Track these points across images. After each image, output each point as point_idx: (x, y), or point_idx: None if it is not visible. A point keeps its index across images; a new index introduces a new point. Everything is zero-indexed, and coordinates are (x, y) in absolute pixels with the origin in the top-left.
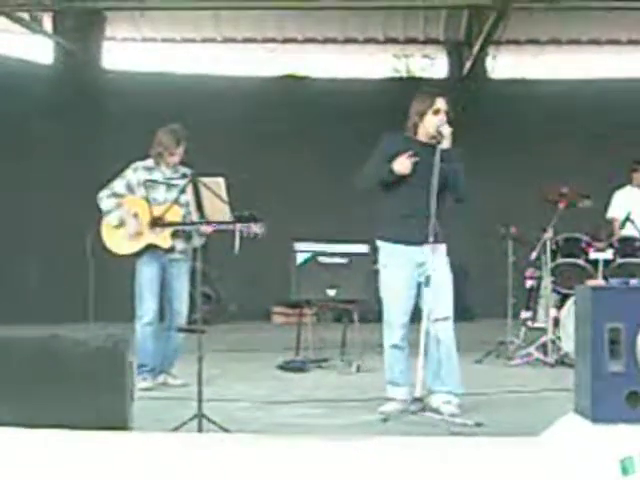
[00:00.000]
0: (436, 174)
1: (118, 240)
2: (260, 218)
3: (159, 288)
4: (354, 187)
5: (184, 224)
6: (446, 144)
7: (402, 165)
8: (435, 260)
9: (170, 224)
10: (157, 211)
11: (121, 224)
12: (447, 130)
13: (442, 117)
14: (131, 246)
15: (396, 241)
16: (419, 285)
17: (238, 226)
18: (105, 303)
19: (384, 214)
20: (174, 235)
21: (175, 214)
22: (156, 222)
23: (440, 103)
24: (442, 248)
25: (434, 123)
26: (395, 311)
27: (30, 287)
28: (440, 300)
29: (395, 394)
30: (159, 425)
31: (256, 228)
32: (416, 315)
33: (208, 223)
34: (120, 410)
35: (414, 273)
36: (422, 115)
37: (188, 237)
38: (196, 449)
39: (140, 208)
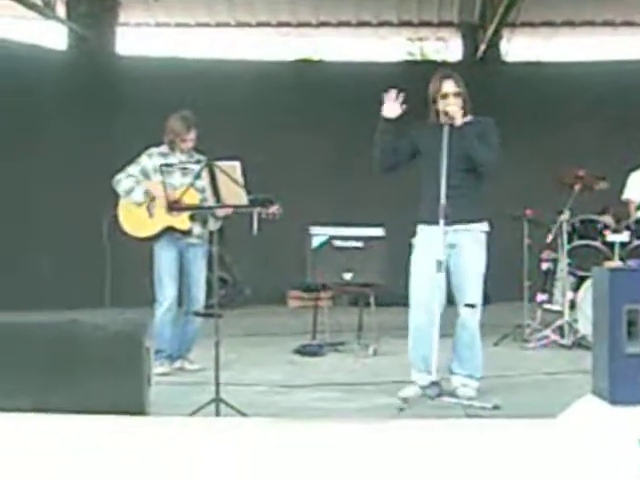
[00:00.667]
0: (444, 152)
1: (136, 223)
2: (275, 201)
3: (178, 273)
4: (373, 169)
5: (201, 207)
6: (456, 122)
7: (388, 108)
8: (463, 242)
9: (187, 207)
10: (173, 195)
11: (146, 200)
12: (453, 109)
13: (449, 101)
14: (150, 229)
15: (423, 222)
16: (448, 268)
17: (256, 208)
18: (122, 288)
19: (420, 196)
20: (191, 218)
21: (192, 197)
22: (173, 205)
23: (446, 86)
24: (474, 229)
25: (442, 107)
26: (415, 292)
27: (46, 273)
28: (465, 286)
29: (417, 379)
30: (176, 410)
31: (274, 209)
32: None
33: (225, 207)
34: (137, 395)
35: (441, 254)
36: (434, 101)
37: (204, 222)
38: (214, 433)
39: (157, 192)
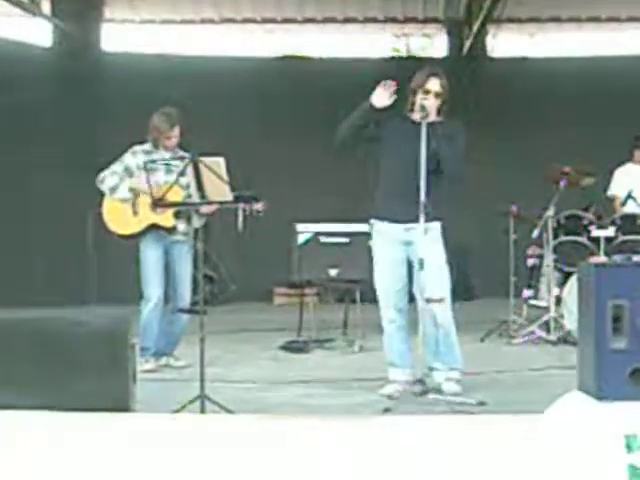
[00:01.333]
0: (423, 150)
1: (121, 221)
2: (260, 198)
3: (164, 270)
4: (334, 142)
5: (185, 204)
6: (429, 118)
7: (379, 97)
8: (419, 239)
9: (172, 204)
10: (158, 193)
11: (131, 197)
12: (429, 102)
13: (429, 98)
14: (134, 226)
15: (382, 218)
16: (410, 264)
17: (241, 205)
18: (108, 285)
19: (377, 192)
20: (176, 216)
21: (176, 194)
22: (157, 202)
23: (431, 84)
24: (433, 227)
25: (419, 100)
26: (382, 289)
27: (33, 271)
28: (433, 281)
29: (395, 375)
30: (162, 407)
31: (258, 206)
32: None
33: (210, 203)
34: (123, 392)
35: (401, 251)
36: (414, 93)
37: (189, 219)
38: (199, 430)
39: (141, 189)
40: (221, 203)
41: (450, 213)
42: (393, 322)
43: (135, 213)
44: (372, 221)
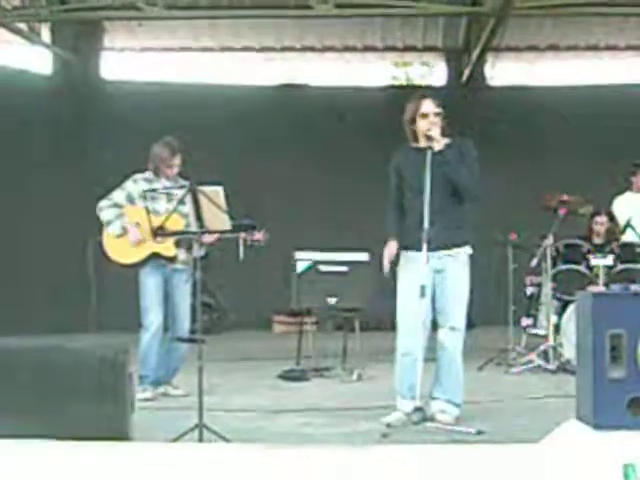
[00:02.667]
0: (428, 178)
1: (121, 250)
2: (258, 226)
3: (163, 299)
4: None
5: (186, 233)
6: (437, 146)
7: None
8: (449, 267)
9: (172, 233)
10: (158, 222)
11: (123, 233)
12: (435, 132)
13: (429, 120)
14: (135, 255)
15: (406, 248)
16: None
17: (242, 234)
18: (108, 313)
19: (404, 223)
20: (176, 244)
21: (176, 223)
22: (158, 231)
23: (426, 106)
24: (459, 254)
25: (422, 127)
26: (403, 319)
27: (33, 296)
28: (449, 309)
29: (402, 406)
30: (160, 435)
31: (259, 235)
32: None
33: (210, 232)
34: (120, 420)
35: (426, 280)
36: (413, 121)
37: (189, 247)
38: (197, 459)
39: (141, 218)
40: (221, 232)
41: (470, 237)
42: (408, 355)
43: (140, 243)
44: (400, 252)
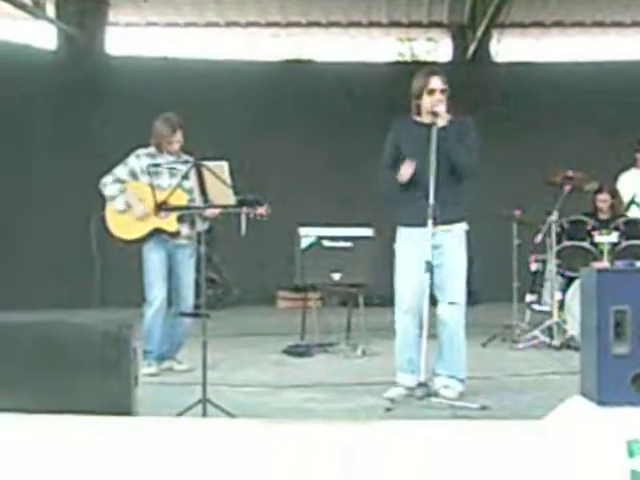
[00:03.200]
0: (433, 153)
1: (124, 225)
2: (263, 202)
3: (167, 274)
4: (378, 197)
5: (189, 208)
6: (441, 122)
7: (403, 174)
8: (446, 243)
9: (175, 208)
10: (161, 197)
11: (127, 209)
12: (441, 108)
13: (436, 97)
14: (137, 231)
15: (406, 224)
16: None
17: (244, 209)
18: (111, 288)
19: (398, 198)
20: (179, 220)
21: (179, 198)
22: (161, 207)
23: (434, 82)
24: (456, 229)
25: (428, 103)
26: (401, 295)
27: (36, 273)
28: (448, 284)
29: (402, 380)
30: (164, 410)
31: (262, 210)
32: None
33: (214, 207)
34: (124, 395)
35: (425, 255)
36: (419, 96)
37: (193, 222)
38: (200, 434)
39: (144, 194)
40: (224, 207)
41: (469, 213)
42: (405, 329)
43: (138, 218)
44: (398, 227)
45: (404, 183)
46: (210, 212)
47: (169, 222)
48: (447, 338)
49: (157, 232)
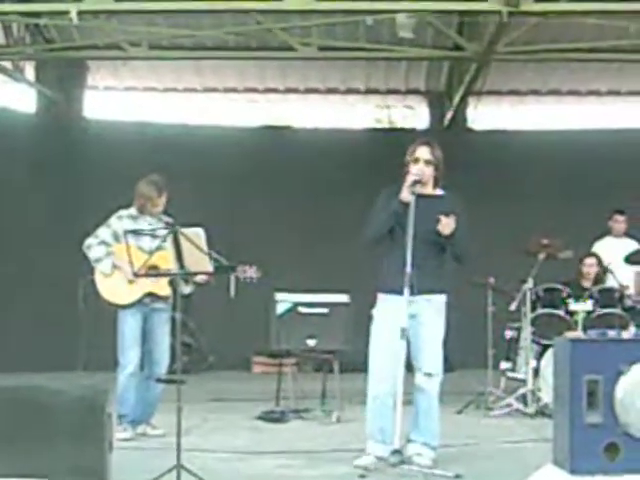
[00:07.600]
0: (411, 222)
1: (114, 289)
2: (236, 270)
3: (142, 337)
4: (363, 241)
5: (181, 273)
6: (421, 190)
7: (405, 194)
8: (425, 312)
9: (161, 274)
10: (143, 259)
11: (113, 272)
12: (415, 170)
13: (418, 166)
14: (130, 295)
15: (386, 291)
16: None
17: (239, 268)
18: (98, 351)
19: (382, 265)
20: (171, 283)
21: (168, 262)
22: (136, 274)
23: (419, 151)
24: (436, 299)
25: (410, 171)
26: (375, 362)
27: (22, 336)
28: (425, 354)
29: (373, 449)
30: (138, 476)
31: (252, 272)
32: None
33: (204, 273)
34: (99, 461)
35: (402, 324)
36: (408, 165)
37: (187, 280)
38: None
39: (130, 256)
40: (210, 274)
41: (451, 284)
42: (377, 398)
43: (130, 282)
44: (378, 295)
45: (390, 254)
46: (200, 277)
47: (161, 286)
48: (424, 406)
49: (149, 296)
